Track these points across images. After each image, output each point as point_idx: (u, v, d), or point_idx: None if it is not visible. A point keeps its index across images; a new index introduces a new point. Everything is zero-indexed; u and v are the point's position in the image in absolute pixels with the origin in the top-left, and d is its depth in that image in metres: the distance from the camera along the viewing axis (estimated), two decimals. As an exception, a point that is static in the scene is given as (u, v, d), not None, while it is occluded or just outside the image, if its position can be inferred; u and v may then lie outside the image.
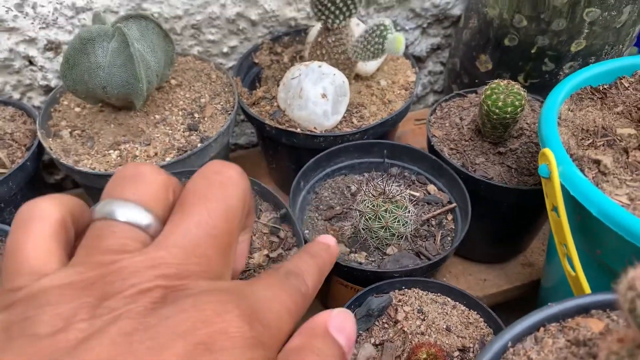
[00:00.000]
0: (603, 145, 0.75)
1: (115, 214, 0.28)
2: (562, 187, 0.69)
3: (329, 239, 0.41)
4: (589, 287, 0.71)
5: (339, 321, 0.30)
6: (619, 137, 0.76)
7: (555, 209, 0.72)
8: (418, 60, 1.49)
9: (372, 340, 0.80)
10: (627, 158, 0.73)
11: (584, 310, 0.62)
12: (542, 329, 0.61)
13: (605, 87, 0.86)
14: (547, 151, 0.70)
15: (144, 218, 0.29)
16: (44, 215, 0.28)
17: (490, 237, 1.06)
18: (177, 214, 0.29)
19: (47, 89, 1.18)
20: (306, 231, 0.95)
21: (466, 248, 1.10)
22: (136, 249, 0.28)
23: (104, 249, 0.27)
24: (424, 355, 0.73)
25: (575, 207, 0.70)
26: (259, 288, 0.29)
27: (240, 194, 0.31)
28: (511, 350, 0.60)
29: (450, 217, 0.96)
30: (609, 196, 0.67)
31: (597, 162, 0.71)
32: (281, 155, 1.12)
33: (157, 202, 0.30)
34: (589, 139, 0.77)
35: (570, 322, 0.62)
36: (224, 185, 0.30)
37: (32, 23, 1.08)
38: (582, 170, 0.70)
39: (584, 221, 0.71)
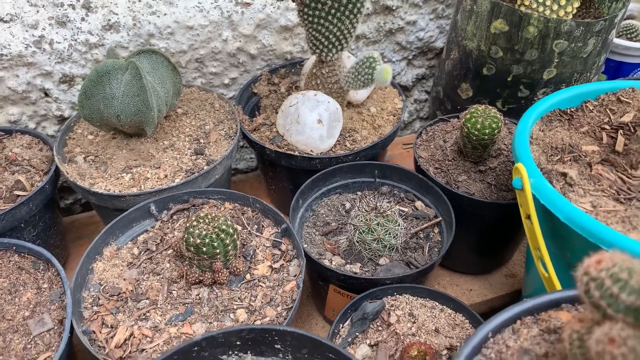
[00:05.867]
0: (570, 161, 0.85)
1: None
2: (534, 197, 0.79)
3: None
4: (561, 286, 0.80)
5: None
6: (584, 153, 0.86)
7: (528, 217, 0.81)
8: (404, 89, 1.59)
9: (368, 342, 0.88)
10: (591, 171, 0.82)
11: (555, 305, 0.71)
12: (518, 321, 0.69)
13: (572, 110, 0.96)
14: (520, 166, 0.79)
15: None
16: None
17: (475, 249, 1.14)
18: None
19: (61, 119, 1.26)
20: (305, 245, 1.03)
21: (453, 260, 1.18)
22: None
23: None
24: (415, 353, 0.81)
25: (546, 215, 0.79)
26: None
27: None
28: (491, 340, 0.68)
29: (436, 230, 1.05)
30: (575, 204, 0.76)
31: (564, 175, 0.80)
32: (280, 177, 1.20)
33: None
34: (557, 155, 0.86)
35: (543, 315, 0.70)
36: None
37: (49, 58, 1.17)
38: (550, 182, 0.80)
39: (554, 227, 0.80)
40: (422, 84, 1.60)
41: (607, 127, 0.92)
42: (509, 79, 1.20)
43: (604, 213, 0.75)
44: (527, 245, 1.10)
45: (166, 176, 1.04)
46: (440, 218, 1.05)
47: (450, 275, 1.20)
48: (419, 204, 1.09)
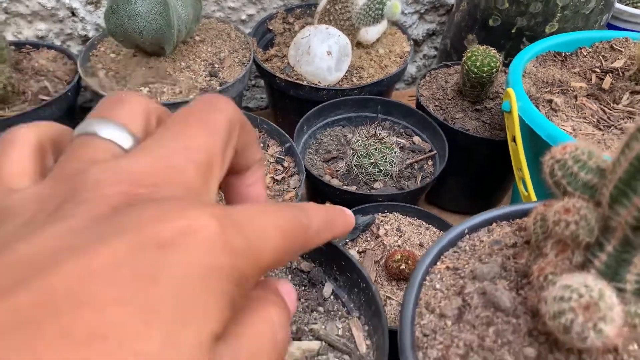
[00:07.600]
0: (558, 93, 0.91)
1: (97, 131, 0.27)
2: (520, 119, 0.85)
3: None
4: (537, 203, 0.86)
5: (287, 288, 0.29)
6: (572, 88, 0.92)
7: (514, 139, 0.87)
8: (415, 43, 1.64)
9: (357, 249, 0.95)
10: (576, 101, 0.88)
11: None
12: (494, 223, 0.76)
13: (566, 53, 1.02)
14: (510, 90, 0.86)
15: (125, 138, 0.27)
16: (21, 139, 0.27)
17: (466, 189, 1.21)
18: (154, 133, 0.27)
19: (85, 39, 1.33)
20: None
21: (445, 200, 1.25)
22: (108, 160, 0.25)
23: (77, 161, 0.25)
24: (399, 257, 0.88)
25: (530, 137, 0.85)
26: (248, 207, 0.26)
27: (223, 117, 0.28)
28: (467, 236, 0.74)
29: (430, 162, 1.11)
30: (557, 126, 0.82)
31: (550, 101, 0.86)
32: (288, 108, 1.27)
33: (139, 125, 0.28)
34: (547, 88, 0.92)
35: (517, 220, 0.77)
36: (207, 109, 0.28)
37: (78, -22, 1.23)
38: (537, 107, 0.86)
39: (537, 148, 0.86)
40: (432, 40, 1.65)
41: (597, 70, 0.97)
42: (512, 31, 1.25)
43: (583, 135, 0.81)
44: (513, 187, 1.16)
45: (181, 92, 1.11)
46: (435, 152, 1.11)
47: (441, 213, 1.25)
48: (416, 138, 1.15)
